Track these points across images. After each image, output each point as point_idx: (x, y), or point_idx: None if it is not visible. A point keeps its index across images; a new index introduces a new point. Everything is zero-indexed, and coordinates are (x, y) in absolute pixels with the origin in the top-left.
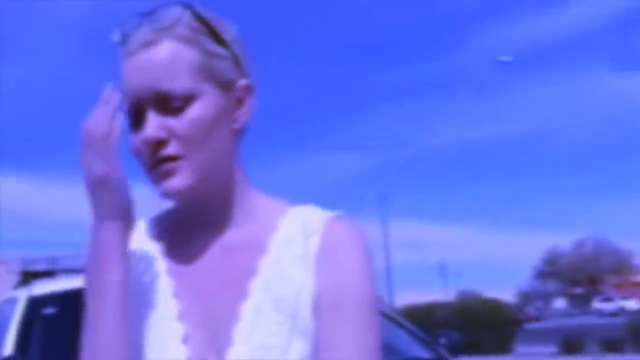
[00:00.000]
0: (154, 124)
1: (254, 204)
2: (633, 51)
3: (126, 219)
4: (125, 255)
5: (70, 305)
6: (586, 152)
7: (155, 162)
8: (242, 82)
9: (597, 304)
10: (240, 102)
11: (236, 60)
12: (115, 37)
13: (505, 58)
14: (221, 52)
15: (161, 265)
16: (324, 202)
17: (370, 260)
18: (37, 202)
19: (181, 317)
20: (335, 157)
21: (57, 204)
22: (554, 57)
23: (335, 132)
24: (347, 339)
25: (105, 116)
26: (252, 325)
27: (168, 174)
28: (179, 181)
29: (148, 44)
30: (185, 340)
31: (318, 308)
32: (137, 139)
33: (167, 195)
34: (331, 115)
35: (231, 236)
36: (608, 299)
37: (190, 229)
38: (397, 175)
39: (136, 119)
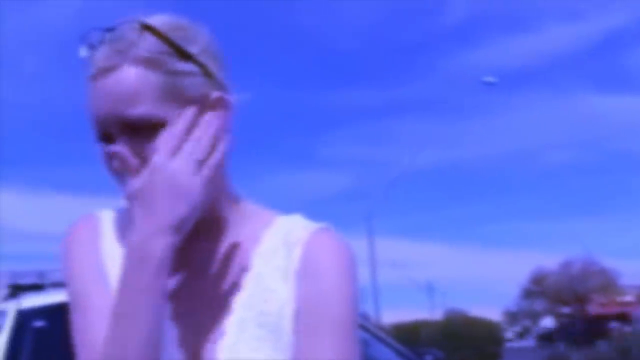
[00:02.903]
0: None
1: (239, 215)
2: (615, 72)
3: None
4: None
5: (60, 318)
6: (572, 172)
7: None
8: (215, 94)
9: None
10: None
11: (207, 73)
12: (82, 52)
13: (489, 79)
14: (188, 68)
15: None
16: (309, 218)
17: (353, 275)
18: (25, 214)
19: (175, 318)
20: (320, 175)
21: (45, 216)
22: (538, 78)
23: (319, 151)
24: (323, 357)
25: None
26: (236, 341)
27: None
28: None
29: (109, 70)
30: (181, 343)
31: (297, 322)
32: (110, 162)
33: None
34: (315, 135)
35: (215, 248)
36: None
37: None
38: (382, 194)
39: (106, 137)
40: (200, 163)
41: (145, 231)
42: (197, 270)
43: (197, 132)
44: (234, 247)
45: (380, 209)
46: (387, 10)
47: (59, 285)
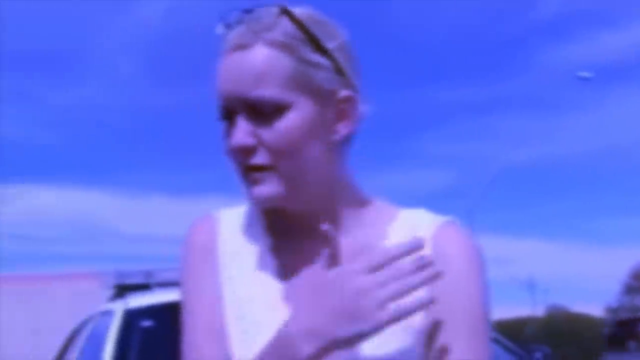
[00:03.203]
0: (242, 131)
1: (363, 210)
2: None
3: None
4: None
5: (167, 318)
6: None
7: (244, 168)
8: (344, 93)
9: None
10: (341, 113)
11: (339, 70)
12: (219, 30)
13: (585, 74)
14: (320, 61)
15: (271, 264)
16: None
17: (482, 268)
18: (130, 217)
19: None
20: (420, 173)
21: (151, 218)
22: (632, 73)
23: (419, 148)
24: (457, 351)
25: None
26: None
27: (255, 182)
28: (266, 190)
29: (242, 47)
30: None
31: (427, 318)
32: (228, 143)
33: (255, 202)
34: (414, 132)
35: (340, 243)
36: None
37: (296, 233)
38: (483, 190)
39: (230, 119)
40: (392, 299)
41: (299, 330)
42: (324, 269)
43: (404, 267)
44: (360, 241)
45: (481, 205)
46: (480, 7)
47: (165, 285)
